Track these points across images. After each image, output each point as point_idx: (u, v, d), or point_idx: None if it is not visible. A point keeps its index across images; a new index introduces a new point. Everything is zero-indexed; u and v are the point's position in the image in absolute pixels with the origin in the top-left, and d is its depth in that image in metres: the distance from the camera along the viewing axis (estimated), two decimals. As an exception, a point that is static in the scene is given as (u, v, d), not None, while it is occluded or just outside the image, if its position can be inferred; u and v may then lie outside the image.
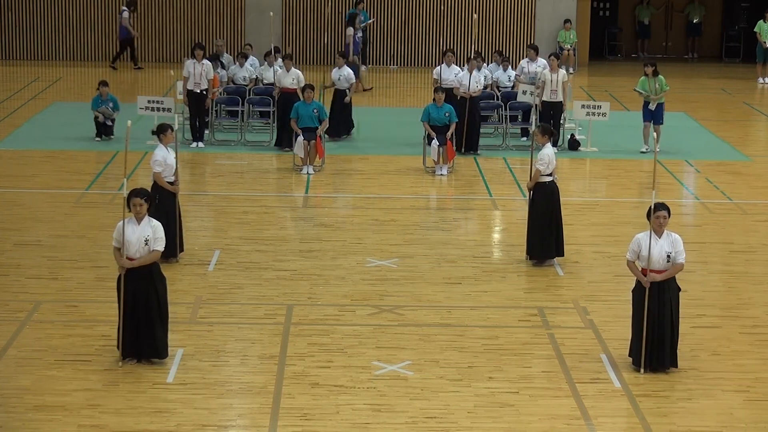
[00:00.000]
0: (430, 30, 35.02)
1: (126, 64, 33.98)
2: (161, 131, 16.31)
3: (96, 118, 24.14)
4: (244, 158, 23.19)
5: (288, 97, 23.52)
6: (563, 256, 16.78)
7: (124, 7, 33.43)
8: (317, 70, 34.00)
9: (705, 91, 32.62)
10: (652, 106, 23.38)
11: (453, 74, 24.36)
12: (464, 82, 23.43)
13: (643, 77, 23.61)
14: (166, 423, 11.64)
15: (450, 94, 23.73)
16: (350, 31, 31.85)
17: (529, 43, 31.88)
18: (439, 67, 24.62)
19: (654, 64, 23.77)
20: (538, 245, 16.66)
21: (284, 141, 23.50)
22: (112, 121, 24.15)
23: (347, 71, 24.69)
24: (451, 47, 33.91)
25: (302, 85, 23.45)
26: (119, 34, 33.50)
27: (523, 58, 27.24)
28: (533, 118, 24.21)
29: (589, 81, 33.45)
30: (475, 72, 23.58)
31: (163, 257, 13.55)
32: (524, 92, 24.47)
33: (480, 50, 33.50)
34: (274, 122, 24.58)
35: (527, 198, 16.80)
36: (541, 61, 25.47)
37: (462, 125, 23.20)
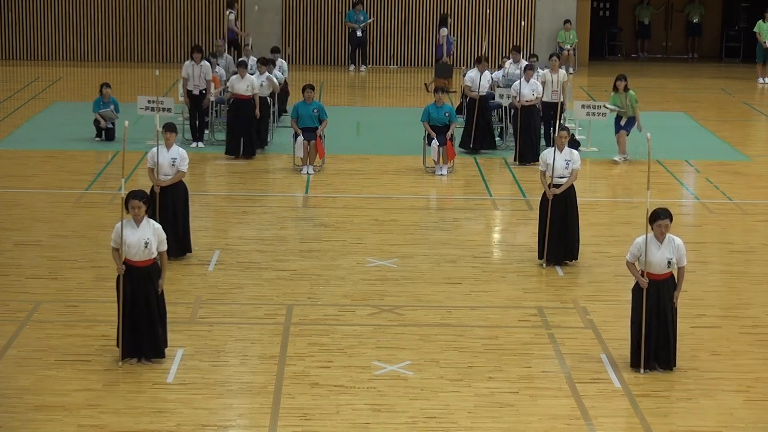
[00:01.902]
0: (430, 30, 35.01)
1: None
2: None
3: (97, 122, 24.11)
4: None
5: (241, 104, 22.83)
6: (577, 258, 16.80)
7: (230, 9, 33.35)
8: (316, 70, 34.08)
9: (705, 91, 32.62)
10: (623, 122, 23.12)
11: (486, 81, 24.02)
12: (524, 90, 22.75)
13: (613, 93, 23.24)
14: (166, 423, 11.64)
15: (479, 100, 23.39)
16: (444, 31, 31.85)
17: (530, 44, 31.90)
18: (473, 74, 24.02)
19: (625, 79, 23.25)
20: (561, 247, 16.58)
21: (236, 149, 22.84)
22: (113, 123, 24.14)
23: (252, 77, 23.25)
24: (454, 50, 34.01)
25: (256, 91, 22.99)
26: (228, 35, 33.43)
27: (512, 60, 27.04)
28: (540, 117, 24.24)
29: (589, 81, 33.45)
30: (531, 80, 22.95)
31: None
32: (501, 96, 24.29)
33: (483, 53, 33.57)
34: (273, 122, 24.57)
35: (550, 200, 16.48)
36: (526, 62, 25.15)
37: (516, 136, 22.83)
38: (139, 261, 12.89)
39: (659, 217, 12.89)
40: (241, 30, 33.10)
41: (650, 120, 27.59)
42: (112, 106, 24.15)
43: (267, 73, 23.85)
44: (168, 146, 16.39)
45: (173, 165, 16.39)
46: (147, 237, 12.86)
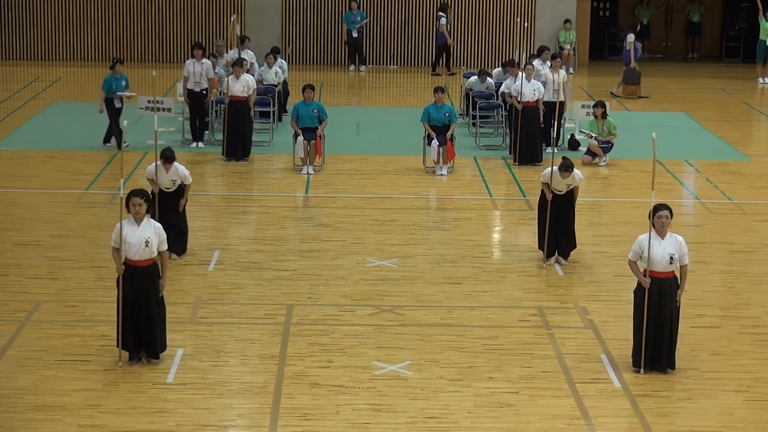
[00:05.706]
0: (430, 30, 34.99)
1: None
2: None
3: (112, 104, 23.30)
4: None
5: (238, 106, 22.66)
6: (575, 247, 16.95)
7: (441, 13, 33.37)
8: (316, 70, 34.07)
9: (705, 91, 32.61)
10: (594, 140, 22.91)
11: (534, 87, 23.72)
12: (525, 90, 22.53)
13: (591, 119, 23.15)
14: (166, 423, 11.65)
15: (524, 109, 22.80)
16: (631, 38, 31.70)
17: (530, 44, 31.85)
18: (509, 81, 23.56)
19: (603, 106, 23.18)
20: (561, 241, 16.72)
21: (236, 152, 22.68)
22: (122, 101, 23.52)
23: (248, 78, 23.01)
24: (452, 48, 34.01)
25: (251, 92, 22.82)
26: (437, 39, 33.45)
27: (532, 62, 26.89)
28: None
29: (589, 81, 33.43)
30: (532, 80, 22.73)
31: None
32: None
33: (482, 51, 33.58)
34: (274, 123, 24.57)
35: (549, 201, 16.60)
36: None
37: (516, 136, 22.69)
38: (140, 261, 12.89)
39: (659, 210, 12.95)
40: (450, 36, 33.36)
41: (650, 120, 27.67)
42: (123, 82, 23.61)
43: (280, 59, 23.75)
44: (166, 170, 16.35)
45: (173, 184, 16.48)
46: (148, 236, 12.85)
